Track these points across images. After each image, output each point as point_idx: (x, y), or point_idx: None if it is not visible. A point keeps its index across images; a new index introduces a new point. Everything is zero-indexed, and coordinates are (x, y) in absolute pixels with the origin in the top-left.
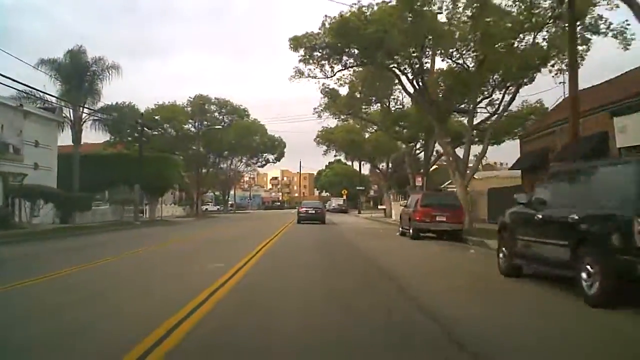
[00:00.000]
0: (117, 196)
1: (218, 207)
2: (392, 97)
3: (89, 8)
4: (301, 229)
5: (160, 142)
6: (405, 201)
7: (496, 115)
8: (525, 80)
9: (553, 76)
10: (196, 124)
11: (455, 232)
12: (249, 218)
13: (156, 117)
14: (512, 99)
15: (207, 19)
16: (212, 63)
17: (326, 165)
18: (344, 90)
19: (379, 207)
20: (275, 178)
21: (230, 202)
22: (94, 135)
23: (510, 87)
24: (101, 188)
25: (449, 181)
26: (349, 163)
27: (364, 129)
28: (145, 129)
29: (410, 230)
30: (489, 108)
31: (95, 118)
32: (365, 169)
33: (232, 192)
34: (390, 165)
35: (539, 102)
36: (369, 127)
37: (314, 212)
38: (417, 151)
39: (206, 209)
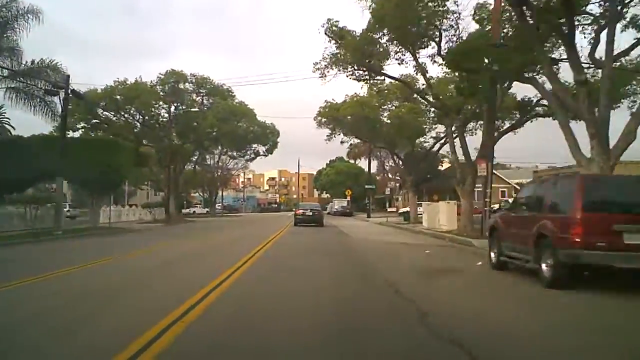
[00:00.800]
0: (39, 194)
1: (208, 209)
2: (442, 23)
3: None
4: (295, 247)
5: (126, 130)
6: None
7: None
8: None
9: None
10: (170, 108)
11: None
12: (236, 223)
13: (117, 97)
14: None
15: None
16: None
17: (327, 164)
18: (362, 24)
19: (389, 209)
20: (273, 178)
21: (218, 204)
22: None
23: None
24: (25, 183)
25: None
26: (352, 161)
27: (381, 105)
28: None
29: (544, 266)
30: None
31: (12, 85)
32: (372, 166)
33: (221, 193)
34: (400, 159)
35: None
36: (389, 99)
37: (311, 214)
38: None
39: (194, 211)
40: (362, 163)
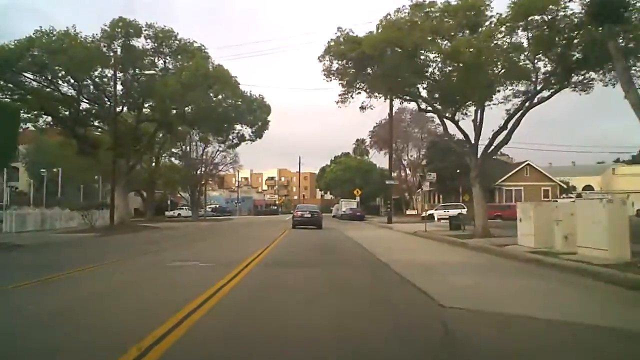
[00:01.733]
0: None
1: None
2: None
3: None
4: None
5: (64, 104)
6: None
7: None
8: None
9: None
10: (116, 72)
11: None
12: (210, 232)
13: (37, 54)
14: None
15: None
16: None
17: (331, 160)
18: None
19: (407, 212)
20: (272, 178)
21: (209, 205)
22: None
23: None
24: None
25: (511, 172)
26: (359, 157)
27: (440, 21)
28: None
29: None
30: None
31: None
32: (379, 161)
33: (204, 193)
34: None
35: None
36: (445, 30)
37: (310, 216)
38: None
39: (179, 214)
40: (374, 159)
